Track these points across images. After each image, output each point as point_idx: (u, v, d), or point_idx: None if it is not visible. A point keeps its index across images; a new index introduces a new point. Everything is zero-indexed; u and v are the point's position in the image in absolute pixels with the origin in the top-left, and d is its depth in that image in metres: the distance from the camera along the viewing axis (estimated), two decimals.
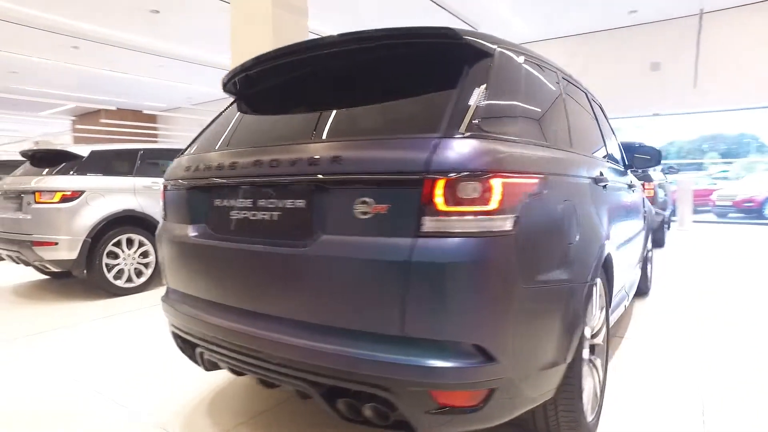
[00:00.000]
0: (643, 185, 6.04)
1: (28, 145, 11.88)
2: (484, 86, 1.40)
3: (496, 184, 1.22)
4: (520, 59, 1.65)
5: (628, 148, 3.40)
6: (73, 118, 19.05)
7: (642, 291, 3.90)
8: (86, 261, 4.05)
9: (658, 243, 6.70)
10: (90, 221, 4.07)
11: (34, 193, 4.01)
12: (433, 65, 1.51)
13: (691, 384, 2.24)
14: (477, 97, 1.36)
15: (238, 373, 1.70)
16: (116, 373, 2.48)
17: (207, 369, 1.79)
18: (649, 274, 4.00)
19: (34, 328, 3.32)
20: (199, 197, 1.74)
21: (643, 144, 3.31)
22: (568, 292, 1.46)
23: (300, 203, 1.43)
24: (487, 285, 1.21)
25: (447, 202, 1.20)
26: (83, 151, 4.37)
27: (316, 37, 1.66)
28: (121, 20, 9.37)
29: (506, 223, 1.23)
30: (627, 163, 3.28)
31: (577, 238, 1.56)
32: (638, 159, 3.28)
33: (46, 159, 4.42)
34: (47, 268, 4.18)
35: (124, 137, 15.94)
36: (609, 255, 1.93)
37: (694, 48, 9.37)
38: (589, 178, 1.87)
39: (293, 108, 1.78)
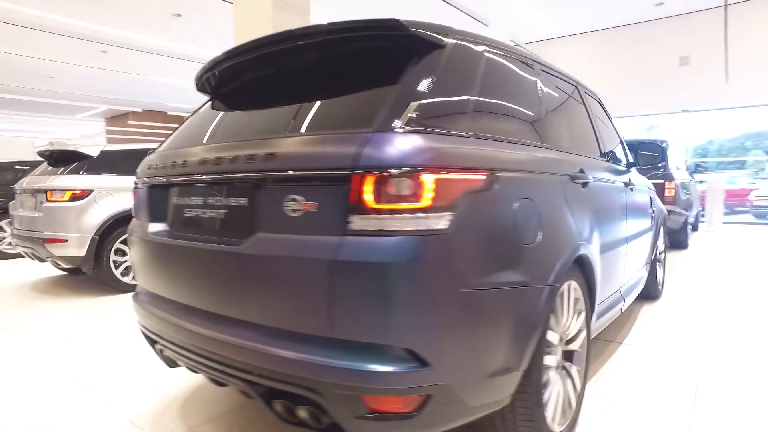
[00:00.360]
0: (663, 184, 5.82)
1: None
2: (429, 79, 1.34)
3: (428, 180, 1.16)
4: (480, 50, 1.58)
5: (633, 146, 3.25)
6: (106, 120, 19.83)
7: (651, 295, 3.72)
8: (94, 258, 4.18)
9: (681, 245, 6.40)
10: (98, 219, 4.19)
11: (46, 191, 4.17)
12: (382, 59, 1.46)
13: (683, 391, 2.10)
14: (419, 90, 1.31)
15: (194, 371, 1.69)
16: (101, 367, 2.54)
17: (169, 366, 1.81)
18: (659, 277, 3.80)
19: (36, 320, 3.45)
20: (159, 195, 1.76)
21: (646, 140, 3.14)
22: (520, 296, 1.38)
23: (243, 201, 1.41)
24: (416, 287, 1.15)
25: (376, 200, 1.15)
26: (94, 151, 4.52)
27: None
28: (146, 24, 9.67)
29: (440, 222, 1.17)
30: (631, 161, 3.13)
31: (538, 238, 1.48)
32: (642, 156, 3.12)
33: (61, 159, 4.58)
34: (59, 264, 4.34)
35: (151, 138, 16.47)
36: (586, 257, 1.83)
37: (722, 41, 8.92)
38: (563, 175, 1.78)
39: (246, 106, 1.76)
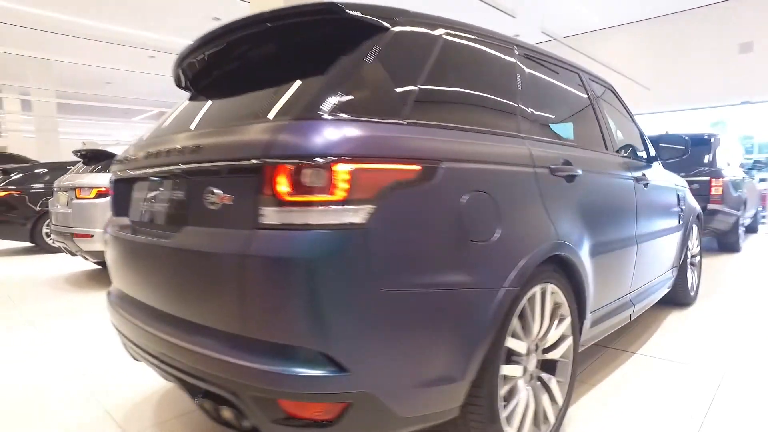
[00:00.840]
0: (709, 181, 5.35)
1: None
2: (364, 65, 1.25)
3: (343, 171, 1.08)
4: (436, 33, 1.47)
5: (657, 141, 2.97)
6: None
7: (681, 300, 3.39)
8: None
9: (731, 247, 5.85)
10: None
11: (75, 189, 4.40)
12: (321, 45, 1.38)
13: (692, 410, 1.87)
14: (351, 76, 1.22)
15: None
16: (103, 358, 2.62)
17: (135, 360, 1.81)
18: (691, 281, 3.46)
19: (63, 313, 3.63)
20: (122, 190, 1.77)
21: (670, 134, 2.86)
22: (463, 299, 1.26)
23: (179, 194, 1.39)
24: (328, 286, 1.06)
25: (288, 192, 1.08)
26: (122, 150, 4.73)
27: None
28: (187, 29, 10.09)
29: (357, 216, 1.08)
30: (651, 155, 2.87)
31: (494, 235, 1.35)
32: (664, 150, 2.85)
33: (94, 158, 4.84)
34: (88, 258, 4.57)
35: None
36: (569, 258, 1.66)
37: None
38: (539, 167, 1.62)
39: (199, 99, 1.74)
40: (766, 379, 2.20)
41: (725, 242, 5.80)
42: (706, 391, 2.07)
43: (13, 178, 7.05)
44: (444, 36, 1.48)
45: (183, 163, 1.31)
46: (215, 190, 1.19)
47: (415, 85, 1.33)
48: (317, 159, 1.07)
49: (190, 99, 1.80)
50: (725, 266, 5.06)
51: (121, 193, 1.79)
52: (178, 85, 1.99)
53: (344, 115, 1.15)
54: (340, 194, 1.07)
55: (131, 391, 2.19)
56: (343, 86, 1.20)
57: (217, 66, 1.68)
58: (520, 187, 1.51)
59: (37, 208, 6.82)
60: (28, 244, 7.18)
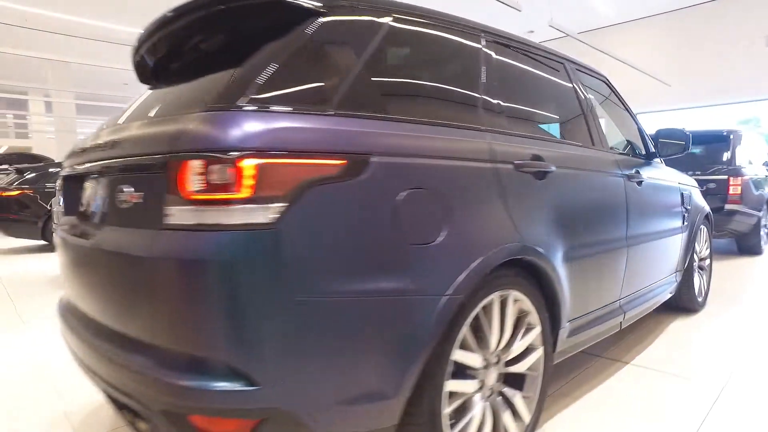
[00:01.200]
0: (727, 180, 5.07)
1: None
2: (290, 52, 1.15)
3: (249, 166, 0.98)
4: (382, 18, 1.35)
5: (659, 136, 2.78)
6: None
7: (687, 307, 3.19)
8: None
9: (751, 250, 5.53)
10: None
11: None
12: (251, 31, 1.28)
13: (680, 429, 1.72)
14: (273, 64, 1.12)
15: None
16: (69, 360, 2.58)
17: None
18: (699, 286, 3.25)
19: (49, 310, 3.65)
20: (70, 187, 1.71)
21: (671, 129, 2.66)
22: (394, 307, 1.14)
23: (102, 193, 1.32)
24: (231, 292, 0.97)
25: (193, 189, 0.99)
26: None
27: None
28: None
29: (264, 216, 0.98)
30: (651, 152, 2.69)
31: (439, 238, 1.23)
32: (664, 145, 2.67)
33: None
34: None
35: None
36: (536, 262, 1.53)
37: None
38: (501, 162, 1.49)
39: (153, 89, 1.66)
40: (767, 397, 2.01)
41: (745, 245, 5.49)
42: (698, 409, 1.90)
43: (26, 177, 7.21)
44: (391, 23, 1.37)
45: (104, 159, 1.25)
46: (124, 188, 1.12)
47: (349, 74, 1.21)
48: (222, 154, 0.97)
49: (149, 90, 1.74)
50: (743, 270, 4.78)
51: (69, 190, 1.73)
52: (140, 79, 1.92)
53: (260, 106, 1.05)
54: (246, 192, 0.97)
55: (94, 394, 2.14)
56: (263, 75, 1.10)
57: (163, 55, 1.61)
58: (474, 185, 1.38)
59: (48, 207, 6.95)
60: (41, 242, 7.34)
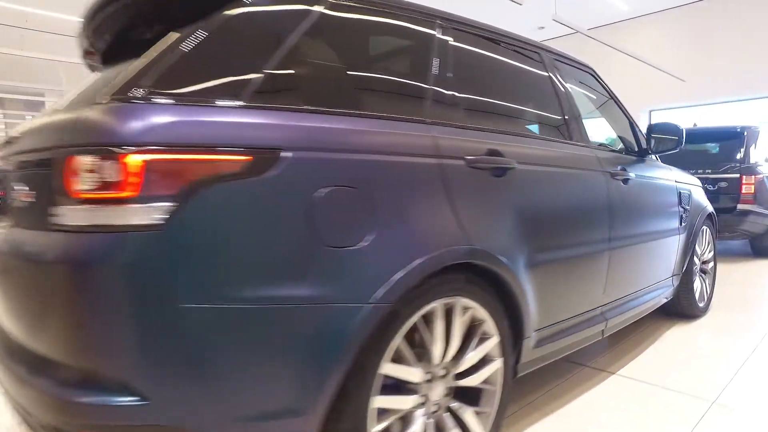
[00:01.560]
0: (740, 179, 4.83)
1: None
2: (199, 39, 1.07)
3: (134, 162, 0.89)
4: (314, 6, 1.25)
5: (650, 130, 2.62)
6: None
7: (686, 313, 3.00)
8: None
9: (766, 253, 5.25)
10: None
11: None
12: (159, 19, 1.20)
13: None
14: (178, 53, 1.04)
15: None
16: None
17: None
18: (700, 291, 3.06)
19: None
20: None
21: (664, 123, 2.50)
22: (308, 316, 1.03)
23: (20, 187, 1.25)
24: (114, 298, 0.88)
25: (79, 187, 0.91)
26: None
27: None
28: None
29: (149, 217, 0.89)
30: (643, 147, 2.53)
31: (364, 241, 1.12)
32: (657, 140, 2.50)
33: None
34: None
35: None
36: (489, 267, 1.41)
37: None
38: (448, 158, 1.38)
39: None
40: (761, 416, 1.85)
41: (760, 246, 5.22)
42: (686, 427, 1.75)
43: None
44: (322, 9, 1.27)
45: (10, 155, 1.18)
46: (18, 186, 1.04)
47: (265, 64, 1.12)
48: (106, 149, 0.89)
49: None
50: (755, 274, 4.53)
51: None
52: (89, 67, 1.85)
53: (157, 99, 0.96)
54: (131, 191, 0.89)
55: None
56: (165, 65, 1.02)
57: (94, 43, 1.53)
58: (411, 182, 1.26)
59: None
60: None
